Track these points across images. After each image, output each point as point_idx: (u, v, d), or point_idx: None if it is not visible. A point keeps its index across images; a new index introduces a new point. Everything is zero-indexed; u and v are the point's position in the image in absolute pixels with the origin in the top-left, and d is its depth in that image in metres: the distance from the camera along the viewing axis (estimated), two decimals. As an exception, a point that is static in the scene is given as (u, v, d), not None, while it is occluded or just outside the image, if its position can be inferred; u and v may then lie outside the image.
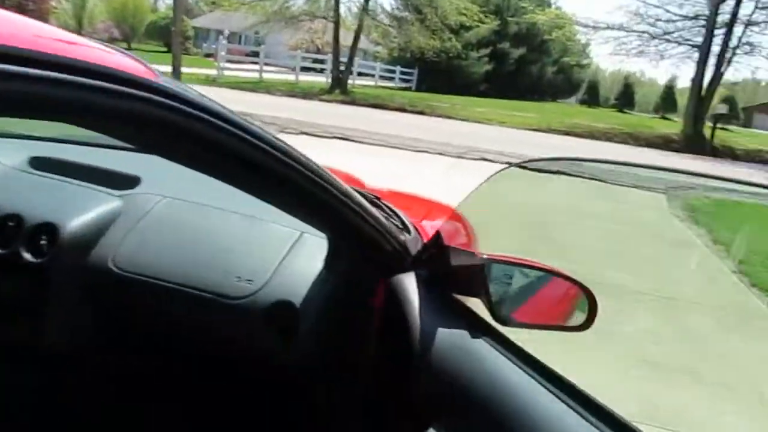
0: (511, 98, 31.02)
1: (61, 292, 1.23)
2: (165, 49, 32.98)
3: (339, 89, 20.73)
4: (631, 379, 2.87)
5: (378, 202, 1.23)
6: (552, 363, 0.91)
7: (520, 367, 0.88)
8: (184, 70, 18.96)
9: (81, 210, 1.28)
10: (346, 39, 22.88)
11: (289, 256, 1.21)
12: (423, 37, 23.01)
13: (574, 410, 0.80)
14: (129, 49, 40.43)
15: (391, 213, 1.20)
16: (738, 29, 18.43)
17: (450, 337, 0.93)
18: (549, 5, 30.14)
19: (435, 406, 0.92)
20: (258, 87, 19.27)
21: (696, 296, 4.34)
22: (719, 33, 18.51)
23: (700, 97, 18.68)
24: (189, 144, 0.65)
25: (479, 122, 17.20)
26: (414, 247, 1.09)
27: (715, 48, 18.64)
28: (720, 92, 20.77)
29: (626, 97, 34.10)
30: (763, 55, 19.06)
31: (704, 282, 4.91)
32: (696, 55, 18.95)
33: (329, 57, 22.21)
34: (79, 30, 37.46)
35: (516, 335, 0.97)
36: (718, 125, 18.70)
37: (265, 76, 22.37)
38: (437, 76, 31.89)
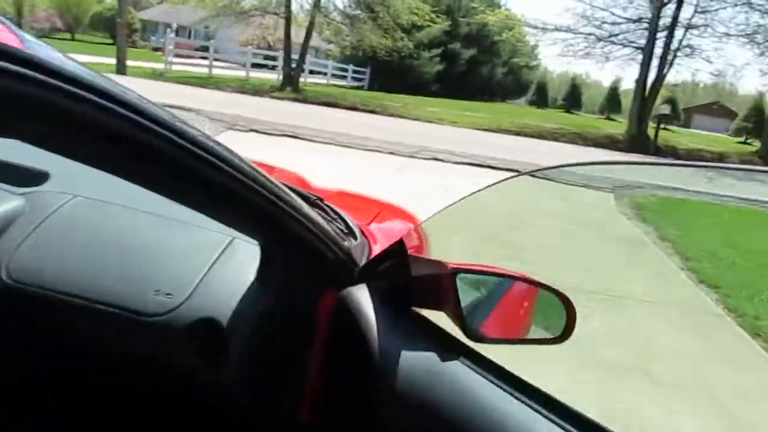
0: (462, 98, 31.29)
1: None
2: (111, 41, 31.92)
3: (290, 87, 20.45)
4: (587, 383, 2.82)
5: (320, 203, 1.12)
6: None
7: (499, 387, 0.78)
8: (129, 63, 18.34)
9: None
10: (298, 36, 22.59)
11: (218, 266, 1.06)
12: (375, 35, 22.93)
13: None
14: (72, 40, 39.02)
15: (334, 216, 1.09)
16: (679, 32, 19.08)
17: (415, 358, 0.82)
18: (499, 6, 30.53)
19: None
20: (207, 83, 18.81)
21: (646, 294, 4.37)
22: (661, 36, 19.12)
23: (644, 98, 19.23)
24: (72, 132, 0.50)
25: (431, 122, 17.22)
26: (360, 254, 0.99)
27: (658, 50, 19.24)
28: (662, 94, 21.43)
29: (573, 98, 34.89)
30: (702, 58, 19.79)
31: (654, 280, 4.96)
32: (640, 57, 19.51)
33: (281, 54, 21.88)
34: (18, 18, 35.92)
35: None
36: (661, 126, 19.28)
37: (215, 71, 21.88)
38: (389, 75, 31.88)
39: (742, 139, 26.94)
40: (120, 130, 0.52)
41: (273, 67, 23.75)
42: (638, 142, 17.99)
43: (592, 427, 0.77)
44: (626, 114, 26.24)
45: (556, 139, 17.44)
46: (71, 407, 1.11)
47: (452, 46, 37.12)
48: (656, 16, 18.72)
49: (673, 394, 2.98)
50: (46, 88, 0.45)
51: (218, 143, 0.65)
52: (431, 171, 8.52)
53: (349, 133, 10.62)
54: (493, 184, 1.00)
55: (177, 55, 22.12)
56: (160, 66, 20.35)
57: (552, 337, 0.96)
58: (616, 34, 19.51)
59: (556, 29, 19.73)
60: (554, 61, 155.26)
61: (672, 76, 25.68)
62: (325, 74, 29.73)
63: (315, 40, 30.20)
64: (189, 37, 38.30)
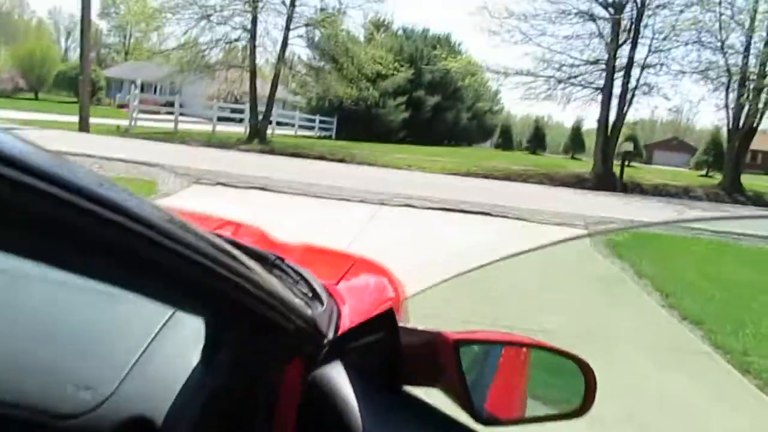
0: (428, 144, 31.69)
1: None
2: (75, 99, 31.67)
3: (257, 139, 20.41)
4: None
5: (280, 264, 0.95)
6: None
7: None
8: (94, 120, 18.12)
9: None
10: (264, 89, 22.71)
11: (154, 347, 0.87)
12: (341, 86, 23.17)
13: None
14: (36, 99, 38.63)
15: (296, 278, 0.93)
16: (636, 72, 19.66)
17: None
18: (460, 53, 31.28)
19: None
20: (173, 137, 18.64)
21: (631, 336, 4.24)
22: (619, 76, 19.66)
23: (607, 136, 19.63)
24: None
25: (400, 168, 17.27)
26: (327, 322, 0.83)
27: (617, 90, 19.76)
28: (623, 132, 21.95)
29: (537, 139, 35.57)
30: (660, 95, 20.33)
31: (636, 320, 4.85)
32: (600, 98, 19.99)
33: (248, 107, 21.92)
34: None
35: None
36: (626, 163, 19.66)
37: (182, 126, 21.75)
38: (356, 124, 32.20)
39: (703, 172, 27.62)
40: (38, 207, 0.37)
41: (240, 120, 23.76)
42: (605, 180, 18.26)
43: None
44: (590, 153, 26.76)
45: (524, 180, 17.59)
46: None
47: (417, 93, 37.82)
48: (612, 57, 19.29)
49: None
50: None
51: (143, 201, 0.49)
52: (404, 217, 8.41)
53: (318, 183, 10.50)
54: (549, 245, 0.87)
55: (142, 111, 21.98)
56: (125, 122, 20.15)
57: (569, 411, 0.82)
58: (576, 76, 20.00)
59: (517, 73, 20.15)
60: (517, 104, 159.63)
61: (632, 114, 26.36)
62: (293, 125, 29.88)
63: (282, 92, 30.44)
64: (155, 93, 38.30)
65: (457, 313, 3.73)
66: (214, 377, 0.82)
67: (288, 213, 7.99)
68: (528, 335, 0.90)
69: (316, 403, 0.74)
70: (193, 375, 0.82)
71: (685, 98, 45.37)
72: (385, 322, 0.80)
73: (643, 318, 4.91)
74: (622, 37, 19.21)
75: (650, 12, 19.10)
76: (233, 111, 25.36)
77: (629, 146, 21.36)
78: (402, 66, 27.12)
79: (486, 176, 17.49)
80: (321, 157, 17.92)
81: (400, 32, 41.16)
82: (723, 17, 17.78)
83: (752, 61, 18.20)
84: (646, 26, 19.30)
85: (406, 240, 7.07)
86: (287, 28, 21.39)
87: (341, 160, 17.74)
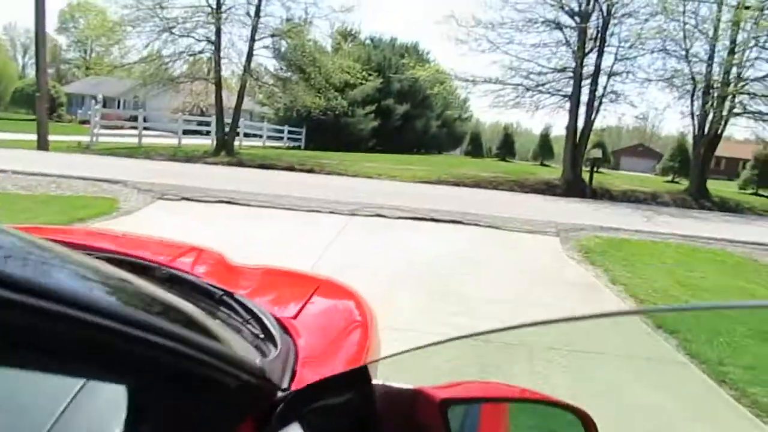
0: (398, 153, 31.69)
1: None
2: (33, 116, 30.87)
3: (224, 151, 20.10)
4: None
5: (228, 301, 0.82)
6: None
7: None
8: (53, 138, 17.60)
9: None
10: (230, 100, 22.39)
11: (65, 420, 0.72)
12: (308, 96, 22.97)
13: None
14: (-7, 116, 37.57)
15: (247, 317, 0.79)
16: (603, 79, 19.93)
17: None
18: (428, 62, 31.35)
19: None
20: (137, 152, 18.24)
21: (606, 346, 4.16)
22: (587, 83, 19.90)
23: (575, 143, 19.83)
24: None
25: (370, 177, 17.15)
26: (281, 370, 0.70)
27: (585, 97, 20.00)
28: (591, 138, 22.20)
29: (507, 146, 35.76)
30: (627, 102, 20.63)
31: (611, 329, 4.78)
32: (568, 105, 20.19)
33: (214, 119, 21.59)
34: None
35: None
36: (594, 169, 19.85)
37: (146, 141, 21.33)
38: (325, 134, 32.04)
39: (669, 178, 28.13)
40: None
41: (207, 133, 23.40)
42: (574, 186, 18.42)
43: None
44: (559, 159, 27.02)
45: (495, 187, 17.63)
46: None
47: (386, 102, 37.83)
48: (579, 65, 19.51)
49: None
50: None
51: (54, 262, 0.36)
52: (374, 228, 8.27)
53: (288, 194, 10.32)
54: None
55: (105, 127, 21.51)
56: (86, 138, 19.65)
57: None
58: (544, 84, 20.15)
59: (486, 81, 20.23)
60: (486, 112, 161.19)
61: (599, 121, 26.74)
62: (261, 137, 29.59)
63: (249, 103, 30.14)
64: (118, 107, 37.62)
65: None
66: None
67: (256, 226, 7.78)
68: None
69: None
70: None
71: (651, 105, 46.37)
72: (356, 377, 0.67)
73: (618, 327, 4.85)
74: (589, 45, 19.46)
75: (616, 21, 19.44)
76: (200, 124, 24.98)
77: (598, 153, 21.60)
78: (370, 75, 27.04)
79: (456, 184, 17.48)
80: (290, 168, 17.71)
81: (368, 41, 41.24)
82: (687, 26, 18.15)
83: (716, 69, 18.56)
84: (612, 35, 19.63)
85: (378, 250, 6.94)
86: (252, 39, 21.14)
87: (310, 171, 17.55)
